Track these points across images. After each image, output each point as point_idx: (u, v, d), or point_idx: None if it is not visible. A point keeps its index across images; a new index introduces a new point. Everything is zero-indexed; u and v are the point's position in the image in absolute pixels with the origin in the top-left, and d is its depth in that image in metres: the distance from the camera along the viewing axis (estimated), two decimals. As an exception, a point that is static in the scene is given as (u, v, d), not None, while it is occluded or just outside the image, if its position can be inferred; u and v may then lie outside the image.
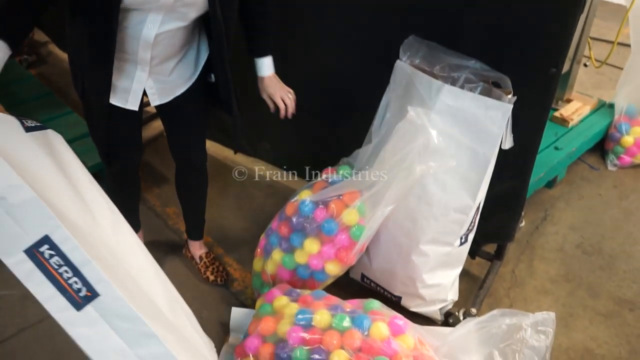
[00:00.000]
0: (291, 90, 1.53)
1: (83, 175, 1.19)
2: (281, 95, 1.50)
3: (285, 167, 2.19)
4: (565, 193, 2.20)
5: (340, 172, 1.56)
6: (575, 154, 2.24)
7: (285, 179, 2.27)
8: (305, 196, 1.51)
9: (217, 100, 1.48)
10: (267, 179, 2.29)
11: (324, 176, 1.57)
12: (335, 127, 1.86)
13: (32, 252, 0.93)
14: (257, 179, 2.29)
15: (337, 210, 1.45)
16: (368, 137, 1.55)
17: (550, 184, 2.19)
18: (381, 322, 1.29)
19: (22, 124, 1.09)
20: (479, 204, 1.47)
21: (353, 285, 1.70)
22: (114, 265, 1.08)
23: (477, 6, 1.36)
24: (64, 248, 0.95)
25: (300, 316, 1.33)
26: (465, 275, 1.64)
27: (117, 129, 1.46)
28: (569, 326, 1.64)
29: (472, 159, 1.37)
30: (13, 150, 0.98)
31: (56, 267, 0.95)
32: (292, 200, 1.54)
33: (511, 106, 1.29)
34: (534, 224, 2.02)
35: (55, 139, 1.17)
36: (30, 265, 0.94)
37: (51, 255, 0.94)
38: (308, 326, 1.31)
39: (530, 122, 1.41)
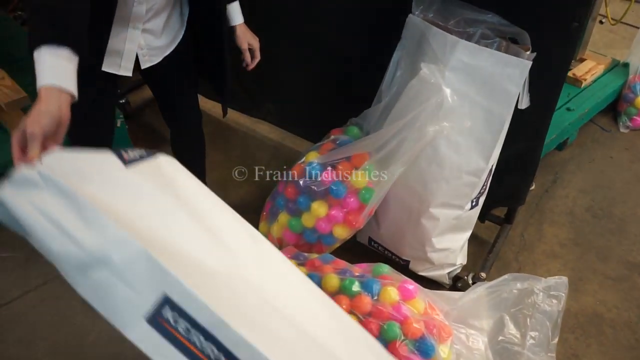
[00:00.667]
0: (256, 38, 1.45)
1: (208, 200, 0.97)
2: (249, 42, 1.43)
3: (290, 128, 2.13)
4: (576, 155, 2.15)
5: (349, 132, 1.51)
6: (588, 116, 2.18)
7: (290, 142, 2.21)
8: (313, 158, 1.46)
9: (204, 64, 1.40)
10: (271, 140, 2.24)
11: (331, 137, 1.52)
12: (343, 86, 1.79)
13: (155, 319, 0.73)
14: (260, 139, 2.24)
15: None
16: (378, 96, 1.49)
17: (560, 146, 2.14)
18: (391, 286, 1.27)
19: (121, 157, 0.87)
20: (492, 167, 1.42)
21: (360, 249, 1.68)
22: (265, 313, 0.83)
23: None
24: (189, 308, 0.73)
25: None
26: (474, 239, 1.61)
27: (97, 107, 1.31)
28: (578, 290, 1.62)
29: (487, 119, 1.31)
30: (112, 195, 0.80)
31: (184, 333, 0.74)
32: (299, 162, 1.49)
33: (530, 63, 1.23)
34: (543, 187, 1.98)
35: (166, 165, 0.96)
36: (155, 335, 0.74)
37: (176, 320, 0.74)
38: (316, 291, 1.28)
39: (548, 80, 1.35)
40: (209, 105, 2.38)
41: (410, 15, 1.39)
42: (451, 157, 1.36)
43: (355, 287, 1.27)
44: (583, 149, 2.21)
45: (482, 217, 1.66)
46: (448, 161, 1.36)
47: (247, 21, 1.92)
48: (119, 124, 2.04)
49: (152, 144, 2.22)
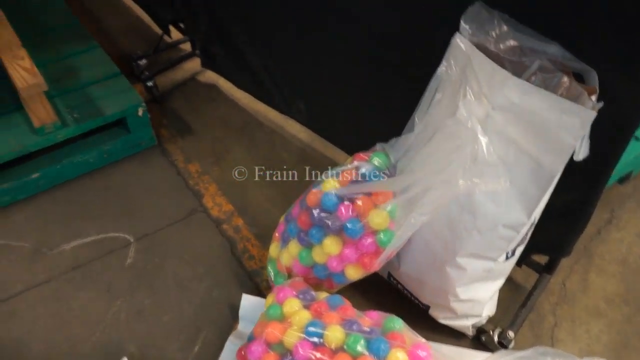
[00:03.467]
0: None
1: None
2: None
3: (319, 131, 1.97)
4: (638, 191, 1.90)
5: (375, 160, 1.34)
6: (657, 145, 1.90)
7: (319, 145, 2.06)
8: (330, 187, 1.30)
9: None
10: (300, 140, 2.08)
11: (354, 163, 1.35)
12: (375, 96, 1.61)
13: None
14: (288, 139, 2.09)
15: (364, 210, 1.24)
16: (410, 123, 1.30)
17: (622, 180, 1.89)
18: (400, 350, 1.12)
19: None
20: (535, 220, 1.23)
21: (378, 282, 1.53)
22: None
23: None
24: None
25: (310, 329, 1.17)
26: (507, 282, 1.43)
27: None
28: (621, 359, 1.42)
29: (534, 170, 1.11)
30: None
31: None
32: (315, 188, 1.34)
33: (594, 114, 1.02)
34: (596, 226, 1.75)
35: None
36: None
37: None
38: (318, 343, 1.15)
39: (614, 127, 1.13)
40: (238, 95, 2.25)
41: (456, 35, 1.18)
42: (487, 207, 1.17)
43: (360, 346, 1.13)
44: (647, 183, 1.95)
45: (518, 262, 1.47)
46: (483, 210, 1.18)
47: (278, 16, 1.76)
48: (140, 113, 1.94)
49: (175, 133, 2.11)
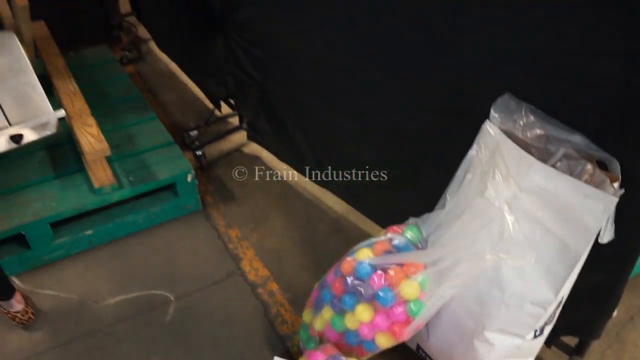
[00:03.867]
0: None
1: None
2: None
3: (354, 203, 2.07)
4: (673, 278, 1.89)
5: (407, 233, 1.42)
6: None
7: (354, 217, 2.15)
8: (364, 257, 1.38)
9: None
10: (335, 212, 2.18)
11: (388, 235, 1.44)
12: (407, 171, 1.71)
13: None
14: (324, 210, 2.19)
15: (396, 279, 1.31)
16: (442, 200, 1.39)
17: (654, 266, 1.89)
18: (427, 420, 1.14)
19: None
20: (562, 299, 1.26)
21: (407, 353, 1.55)
22: None
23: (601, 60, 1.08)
24: None
25: (339, 393, 1.21)
26: (536, 362, 1.44)
27: None
28: None
29: (561, 249, 1.17)
30: None
31: None
32: (350, 257, 1.42)
33: (616, 200, 1.09)
34: (629, 312, 1.75)
35: None
36: None
37: None
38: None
39: (638, 213, 1.19)
40: (279, 166, 2.39)
41: (486, 122, 1.30)
42: (514, 283, 1.22)
43: (388, 413, 1.16)
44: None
45: (547, 342, 1.48)
46: (510, 286, 1.23)
47: (322, 100, 1.92)
48: (189, 179, 2.09)
49: (218, 200, 2.25)
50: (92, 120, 1.99)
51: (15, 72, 2.02)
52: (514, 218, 1.15)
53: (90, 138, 1.90)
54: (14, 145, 1.91)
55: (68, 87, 2.20)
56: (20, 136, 1.91)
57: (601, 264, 1.27)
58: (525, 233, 1.17)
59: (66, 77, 2.27)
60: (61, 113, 1.96)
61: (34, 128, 1.95)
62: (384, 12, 1.51)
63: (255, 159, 2.48)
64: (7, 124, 1.93)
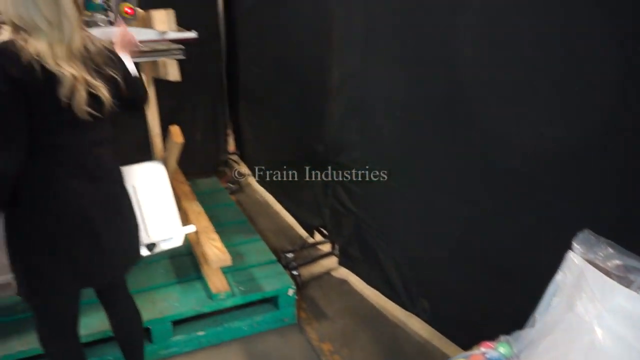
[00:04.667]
0: None
1: None
2: None
3: (441, 328, 2.23)
4: None
5: (500, 348, 1.58)
6: None
7: (438, 342, 2.30)
8: (461, 367, 1.55)
9: None
10: (420, 336, 2.34)
11: (481, 349, 1.61)
12: (497, 300, 1.90)
13: None
14: (409, 334, 2.35)
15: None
16: (531, 320, 1.57)
17: None
18: None
19: None
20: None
21: None
22: None
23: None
24: None
25: None
26: None
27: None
28: None
29: (646, 367, 1.31)
30: None
31: None
32: (447, 367, 1.59)
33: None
34: None
35: None
36: None
37: None
38: None
39: None
40: (367, 292, 2.62)
41: (570, 252, 1.52)
42: (605, 398, 1.35)
43: None
44: None
45: None
46: (601, 401, 1.35)
47: (413, 228, 2.19)
48: (290, 293, 2.35)
49: (311, 316, 2.47)
50: (216, 236, 2.36)
51: (160, 197, 2.45)
52: (602, 332, 1.32)
53: (216, 250, 2.25)
54: (147, 253, 2.29)
55: (194, 208, 2.62)
56: (153, 245, 2.30)
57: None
58: (612, 348, 1.33)
59: (192, 200, 2.72)
60: (192, 228, 2.35)
61: (166, 240, 2.33)
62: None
63: (344, 283, 2.73)
64: (147, 236, 2.33)
